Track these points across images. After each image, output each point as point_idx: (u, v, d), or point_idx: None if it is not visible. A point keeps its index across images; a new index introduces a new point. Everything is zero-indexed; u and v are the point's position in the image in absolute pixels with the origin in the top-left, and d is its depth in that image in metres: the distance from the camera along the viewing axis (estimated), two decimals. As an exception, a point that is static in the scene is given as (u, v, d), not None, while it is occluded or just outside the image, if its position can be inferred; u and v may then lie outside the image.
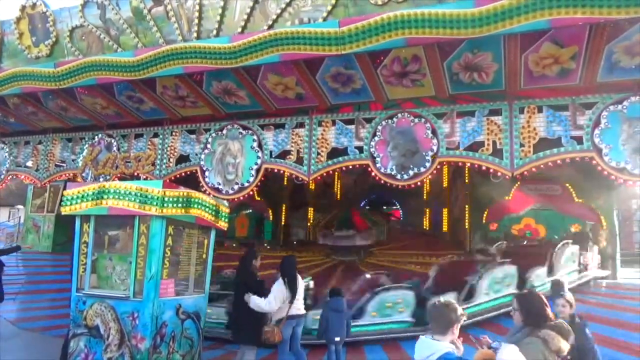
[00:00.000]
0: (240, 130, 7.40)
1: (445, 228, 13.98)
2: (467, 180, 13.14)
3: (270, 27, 6.15)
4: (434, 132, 6.40)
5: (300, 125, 7.16)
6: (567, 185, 11.76)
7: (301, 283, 6.35)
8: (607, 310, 7.82)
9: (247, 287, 6.03)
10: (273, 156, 7.18)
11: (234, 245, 13.25)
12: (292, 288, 6.01)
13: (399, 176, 6.43)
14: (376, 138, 6.64)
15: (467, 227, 13.10)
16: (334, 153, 6.91)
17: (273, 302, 5.88)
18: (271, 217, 15.53)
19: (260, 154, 7.19)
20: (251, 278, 6.24)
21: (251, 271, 6.35)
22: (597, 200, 11.19)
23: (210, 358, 6.93)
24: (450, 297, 7.81)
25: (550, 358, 2.93)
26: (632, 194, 12.61)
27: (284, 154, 7.14)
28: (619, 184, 6.17)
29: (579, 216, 11.67)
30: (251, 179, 7.14)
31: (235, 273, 6.70)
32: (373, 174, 6.64)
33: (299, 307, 6.18)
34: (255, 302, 5.83)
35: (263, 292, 6.00)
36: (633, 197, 13.62)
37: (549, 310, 3.18)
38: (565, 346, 2.97)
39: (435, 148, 6.35)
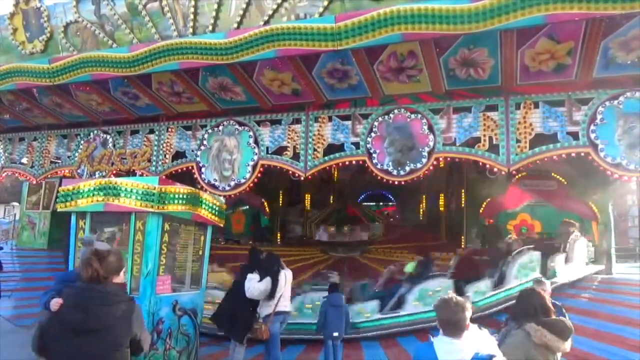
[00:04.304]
0: (237, 126, 7.38)
1: (441, 223, 14.03)
2: (463, 176, 13.17)
3: (266, 22, 6.13)
4: (430, 127, 6.41)
5: (297, 121, 7.15)
6: (563, 180, 11.78)
7: (289, 279, 6.35)
8: (603, 305, 7.85)
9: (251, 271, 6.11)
10: (269, 152, 7.17)
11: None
12: (273, 284, 6.05)
13: (395, 172, 6.44)
14: (372, 134, 6.63)
15: (463, 222, 13.15)
16: (331, 149, 6.91)
17: (255, 291, 5.93)
18: (268, 213, 15.53)
19: (256, 150, 7.18)
20: (260, 265, 6.31)
21: (261, 259, 6.43)
22: (592, 196, 11.22)
23: (207, 354, 6.92)
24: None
25: (534, 350, 2.90)
26: (628, 190, 12.66)
27: (280, 150, 7.13)
28: (614, 180, 6.18)
29: (574, 212, 11.71)
30: (247, 175, 7.13)
31: (246, 266, 6.71)
32: (369, 170, 6.64)
33: (286, 304, 6.20)
34: (251, 282, 5.88)
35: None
36: (628, 193, 13.66)
37: (541, 308, 3.15)
38: (556, 342, 2.93)
39: (431, 144, 6.35)
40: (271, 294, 6.00)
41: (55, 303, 3.11)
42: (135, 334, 3.01)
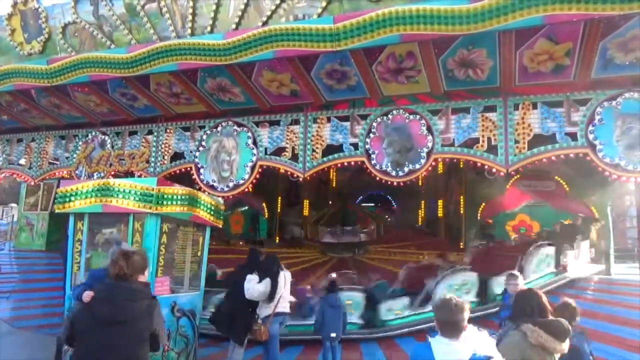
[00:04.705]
0: (235, 127, 7.37)
1: (440, 224, 14.02)
2: (462, 177, 13.18)
3: (264, 23, 6.12)
4: (429, 128, 6.40)
5: (295, 122, 7.14)
6: (561, 181, 11.80)
7: (288, 280, 6.34)
8: (601, 305, 7.86)
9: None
10: (268, 153, 7.17)
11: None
12: (273, 285, 6.05)
13: (394, 173, 6.43)
14: (371, 135, 6.63)
15: (461, 223, 13.15)
16: (329, 150, 6.90)
17: (255, 292, 5.91)
18: (266, 214, 15.51)
19: (255, 151, 7.17)
20: (259, 267, 6.31)
21: (260, 261, 6.42)
22: (591, 197, 11.23)
23: (206, 355, 6.91)
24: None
25: (531, 351, 2.89)
26: (626, 190, 12.67)
27: (279, 151, 7.13)
28: (613, 180, 6.18)
29: (573, 212, 11.71)
30: (246, 176, 7.13)
31: (241, 267, 6.69)
32: (368, 170, 6.63)
33: (285, 305, 6.19)
34: (250, 283, 5.88)
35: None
36: (627, 193, 13.67)
37: (539, 308, 3.14)
38: (552, 343, 2.91)
39: (430, 144, 6.35)
40: (271, 296, 5.99)
41: (87, 295, 3.39)
42: (155, 329, 3.28)
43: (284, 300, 6.17)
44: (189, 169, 7.59)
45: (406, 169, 6.39)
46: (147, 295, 3.37)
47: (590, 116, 5.84)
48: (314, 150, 6.91)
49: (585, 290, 8.65)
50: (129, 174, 7.78)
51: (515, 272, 6.00)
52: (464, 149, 6.29)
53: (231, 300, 6.30)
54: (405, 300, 7.86)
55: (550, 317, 3.12)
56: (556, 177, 11.82)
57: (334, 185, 15.95)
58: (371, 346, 7.44)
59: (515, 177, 11.52)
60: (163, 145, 7.86)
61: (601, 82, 5.91)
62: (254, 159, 7.15)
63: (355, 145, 6.73)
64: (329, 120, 6.97)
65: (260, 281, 5.99)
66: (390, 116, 6.61)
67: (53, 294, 8.96)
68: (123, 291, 3.25)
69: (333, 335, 6.38)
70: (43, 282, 10.37)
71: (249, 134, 7.26)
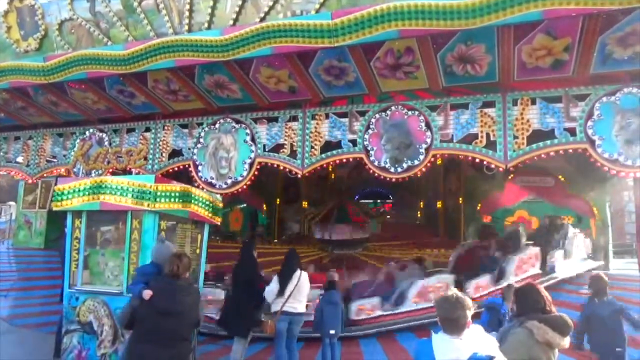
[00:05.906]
0: (233, 124, 7.35)
1: (440, 220, 14.03)
2: (461, 173, 13.18)
3: (262, 19, 6.09)
4: (427, 124, 6.39)
5: (294, 118, 7.12)
6: (560, 177, 11.79)
7: (303, 280, 6.28)
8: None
9: (251, 275, 6.11)
10: (266, 150, 7.14)
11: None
12: (282, 281, 6.04)
13: (392, 169, 6.42)
14: (370, 131, 6.61)
15: (461, 219, 13.17)
16: (328, 146, 6.89)
17: (270, 295, 5.95)
18: (265, 211, 15.50)
19: (253, 148, 7.15)
20: (256, 266, 6.33)
21: (255, 259, 6.42)
22: (590, 192, 11.23)
23: (204, 352, 6.91)
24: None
25: (537, 348, 2.88)
26: (625, 186, 12.68)
27: (277, 148, 7.11)
28: (611, 176, 6.18)
29: (572, 208, 11.72)
30: (244, 173, 7.11)
31: (237, 263, 6.68)
32: (367, 167, 6.62)
33: (295, 305, 6.12)
34: (266, 291, 6.04)
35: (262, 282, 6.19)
36: (625, 189, 13.68)
37: (544, 303, 3.13)
38: (557, 339, 2.91)
39: (429, 141, 6.33)
40: (281, 290, 6.00)
41: (147, 294, 3.97)
42: (200, 316, 4.26)
43: (294, 300, 6.09)
44: (187, 166, 7.57)
45: (405, 165, 6.37)
46: (196, 290, 4.26)
47: (589, 111, 5.82)
48: (312, 147, 6.89)
49: (584, 285, 8.66)
50: (126, 172, 7.75)
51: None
52: (463, 145, 6.28)
53: (234, 300, 6.30)
54: (487, 277, 7.95)
55: (554, 312, 3.10)
56: (555, 173, 11.81)
57: (332, 182, 15.92)
58: (370, 342, 7.44)
59: (514, 173, 11.50)
60: (161, 143, 7.83)
61: (600, 77, 5.90)
62: (252, 155, 7.13)
63: (354, 142, 6.71)
64: (327, 116, 6.95)
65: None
66: (388, 112, 6.58)
67: (51, 292, 8.93)
68: (179, 288, 4.01)
69: (332, 332, 6.38)
70: (41, 280, 10.35)
71: (247, 131, 7.24)
